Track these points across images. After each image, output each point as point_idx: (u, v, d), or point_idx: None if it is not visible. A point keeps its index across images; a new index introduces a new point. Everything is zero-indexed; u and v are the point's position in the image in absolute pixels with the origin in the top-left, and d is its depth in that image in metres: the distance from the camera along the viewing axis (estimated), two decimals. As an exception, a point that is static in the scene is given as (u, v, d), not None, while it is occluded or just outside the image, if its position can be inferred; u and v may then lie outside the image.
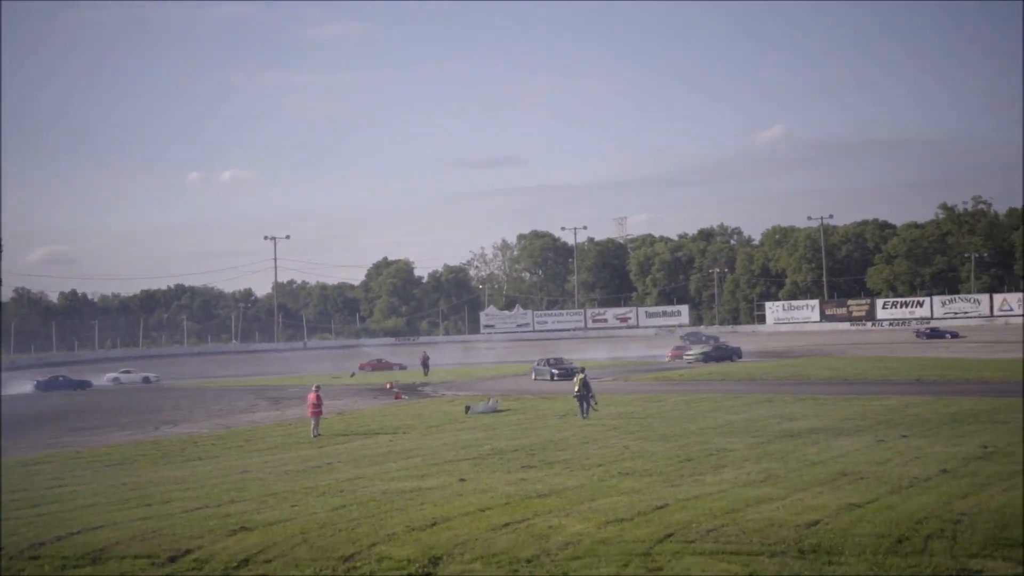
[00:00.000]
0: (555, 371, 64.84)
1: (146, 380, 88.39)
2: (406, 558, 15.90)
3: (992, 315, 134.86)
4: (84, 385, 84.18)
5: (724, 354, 78.70)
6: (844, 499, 18.93)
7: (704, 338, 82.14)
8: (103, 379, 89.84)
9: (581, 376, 40.06)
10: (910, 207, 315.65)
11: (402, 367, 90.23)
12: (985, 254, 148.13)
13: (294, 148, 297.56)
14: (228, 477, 26.26)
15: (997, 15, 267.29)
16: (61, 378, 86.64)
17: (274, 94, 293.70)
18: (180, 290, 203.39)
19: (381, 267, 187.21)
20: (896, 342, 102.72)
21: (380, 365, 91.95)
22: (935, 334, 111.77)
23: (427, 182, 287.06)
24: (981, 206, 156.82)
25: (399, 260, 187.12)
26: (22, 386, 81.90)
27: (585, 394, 39.39)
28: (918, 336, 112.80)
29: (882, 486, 20.41)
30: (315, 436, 36.19)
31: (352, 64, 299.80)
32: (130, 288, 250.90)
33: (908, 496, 19.21)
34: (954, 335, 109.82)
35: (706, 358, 76.82)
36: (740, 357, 77.02)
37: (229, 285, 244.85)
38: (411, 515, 19.08)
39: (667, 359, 78.15)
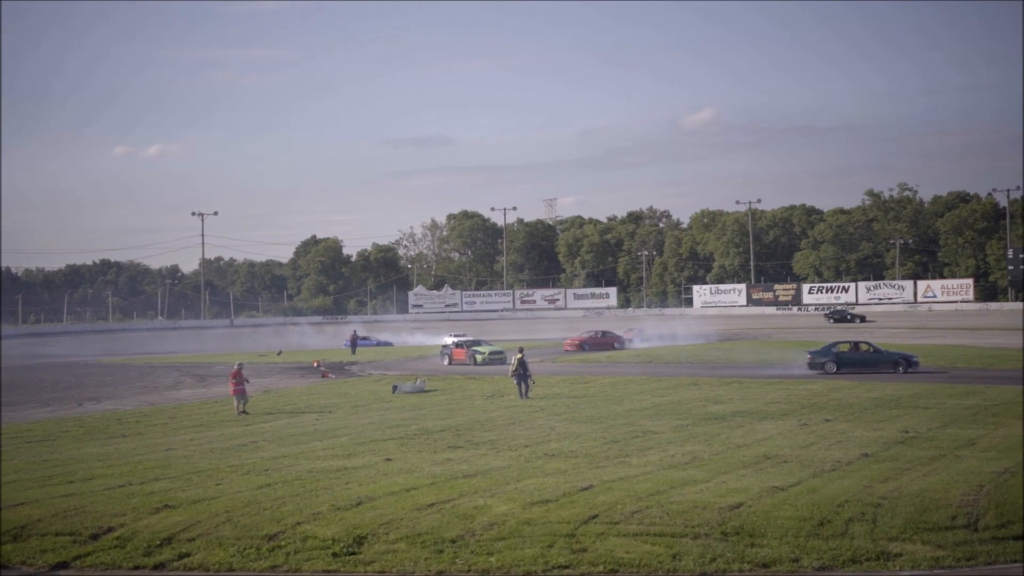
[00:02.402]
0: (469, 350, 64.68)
1: None
2: (330, 537, 15.89)
3: (916, 301, 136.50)
4: None
5: (605, 342, 77.62)
6: (767, 482, 19.13)
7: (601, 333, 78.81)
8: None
9: (519, 356, 40.29)
10: (837, 193, 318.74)
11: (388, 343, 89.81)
12: (910, 241, 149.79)
13: (222, 123, 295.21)
14: (152, 455, 26.06)
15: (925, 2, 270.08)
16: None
17: (202, 68, 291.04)
18: (106, 265, 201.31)
19: (309, 245, 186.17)
20: (821, 327, 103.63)
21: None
22: (842, 317, 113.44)
23: (356, 160, 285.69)
24: (907, 193, 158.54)
25: (328, 238, 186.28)
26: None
27: (523, 374, 39.67)
28: (827, 318, 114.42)
29: (805, 469, 20.65)
30: (240, 414, 35.96)
31: (282, 40, 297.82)
32: (54, 262, 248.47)
33: (830, 480, 19.45)
34: (862, 319, 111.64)
35: (583, 347, 75.54)
36: (621, 346, 75.60)
37: (156, 261, 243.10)
38: (336, 494, 19.06)
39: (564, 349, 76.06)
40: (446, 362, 64.13)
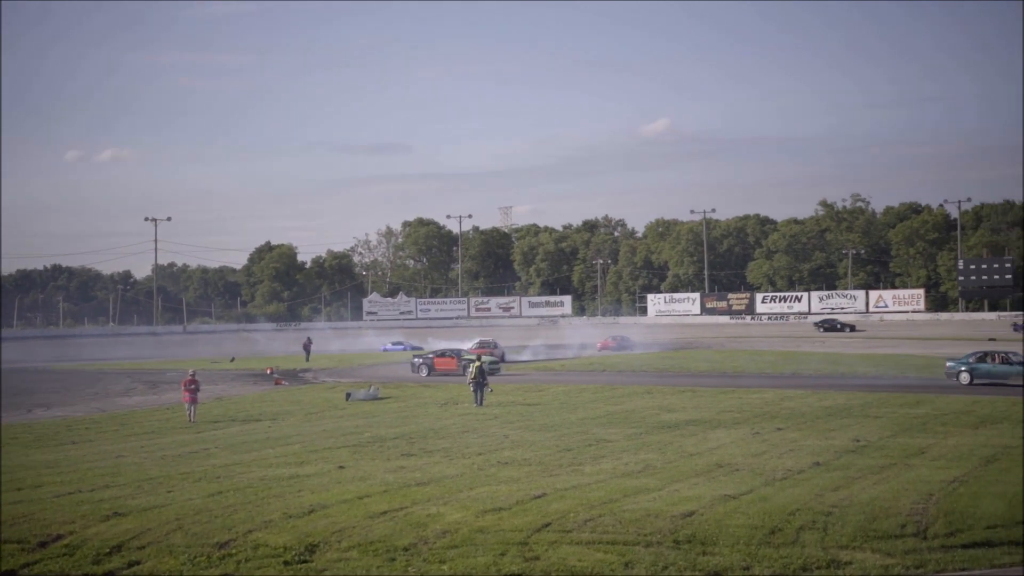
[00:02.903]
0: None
1: None
2: (282, 545, 15.81)
3: (868, 311, 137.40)
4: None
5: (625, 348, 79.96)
6: (719, 490, 19.19)
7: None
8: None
9: (477, 364, 40.58)
10: (791, 203, 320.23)
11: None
12: (862, 251, 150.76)
13: (177, 128, 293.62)
14: (102, 461, 25.87)
15: (878, 14, 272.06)
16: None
17: (157, 72, 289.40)
18: (57, 270, 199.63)
19: (264, 251, 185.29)
20: (782, 335, 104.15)
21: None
22: (832, 327, 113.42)
23: (312, 166, 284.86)
24: (860, 204, 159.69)
25: (282, 245, 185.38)
26: None
27: (481, 382, 40.05)
28: (817, 328, 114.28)
29: (757, 478, 20.73)
30: (191, 423, 35.73)
31: (236, 45, 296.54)
32: (4, 267, 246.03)
33: (781, 488, 19.53)
34: (852, 328, 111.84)
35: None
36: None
37: (107, 266, 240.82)
38: (288, 502, 18.97)
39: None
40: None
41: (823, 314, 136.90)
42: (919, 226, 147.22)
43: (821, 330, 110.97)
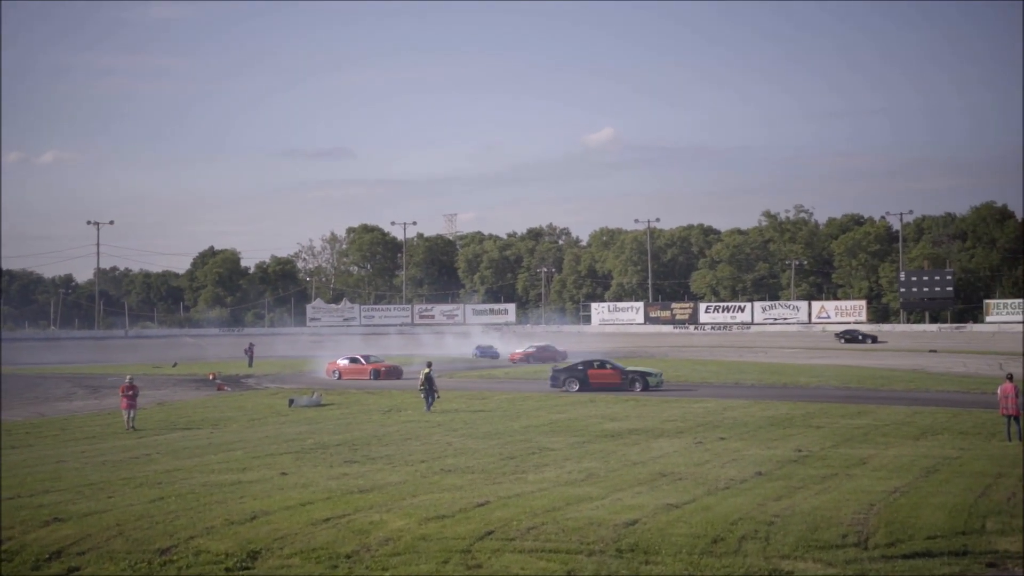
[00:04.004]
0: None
1: None
2: (224, 552, 15.74)
3: (810, 322, 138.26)
4: None
5: (547, 356, 78.31)
6: (662, 499, 19.26)
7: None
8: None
9: (426, 371, 40.91)
10: (734, 213, 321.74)
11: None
12: (805, 262, 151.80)
13: (120, 131, 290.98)
14: (42, 467, 25.63)
15: (822, 26, 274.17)
16: None
17: (99, 75, 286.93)
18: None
19: (207, 256, 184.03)
20: (717, 345, 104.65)
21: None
22: (853, 338, 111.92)
23: (256, 171, 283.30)
24: (803, 215, 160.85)
25: (225, 250, 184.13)
26: None
27: (429, 388, 40.43)
28: (838, 339, 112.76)
29: (699, 487, 20.83)
30: (129, 429, 35.32)
31: (180, 48, 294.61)
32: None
33: (724, 497, 19.63)
34: (874, 339, 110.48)
35: (529, 360, 76.99)
36: (563, 359, 74.40)
37: (49, 270, 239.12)
38: (230, 508, 18.88)
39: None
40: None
41: (765, 325, 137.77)
42: (861, 238, 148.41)
43: (842, 341, 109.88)
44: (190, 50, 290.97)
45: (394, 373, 63.07)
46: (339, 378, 62.75)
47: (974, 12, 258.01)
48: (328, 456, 26.87)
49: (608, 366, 52.24)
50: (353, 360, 65.67)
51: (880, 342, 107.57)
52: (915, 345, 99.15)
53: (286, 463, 25.50)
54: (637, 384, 49.41)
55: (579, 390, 49.53)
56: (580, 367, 52.28)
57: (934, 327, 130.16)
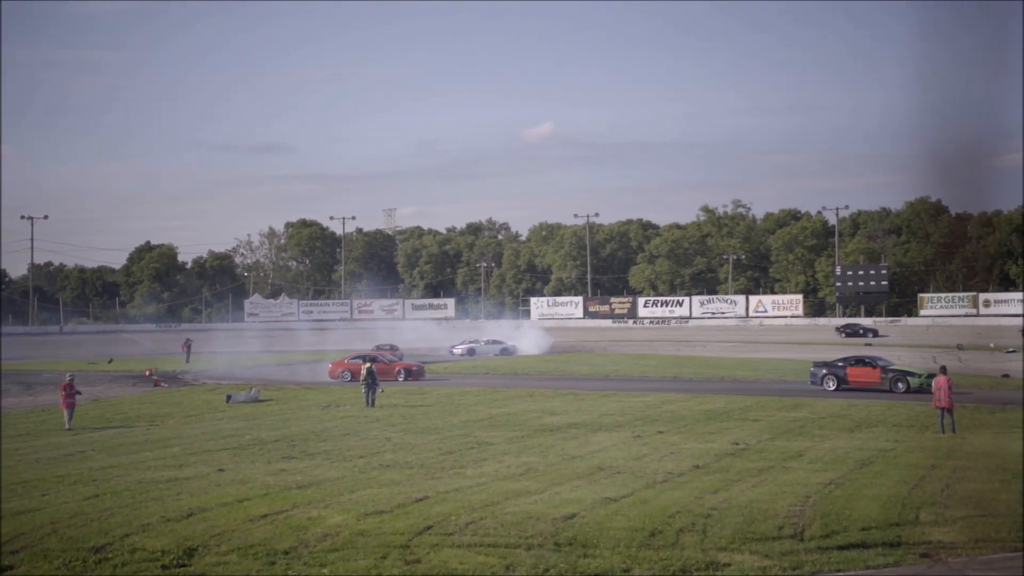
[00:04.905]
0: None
1: None
2: (160, 549, 15.62)
3: (748, 316, 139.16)
4: None
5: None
6: (601, 493, 19.33)
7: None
8: None
9: (368, 365, 41.16)
10: (673, 208, 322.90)
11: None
12: (743, 256, 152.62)
13: (54, 126, 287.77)
14: (-26, 465, 25.32)
15: (761, 21, 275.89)
16: None
17: (35, 69, 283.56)
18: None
19: (143, 251, 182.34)
20: (656, 340, 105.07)
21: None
22: (854, 332, 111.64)
23: (193, 165, 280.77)
24: (740, 210, 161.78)
25: (162, 245, 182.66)
26: None
27: (371, 383, 40.48)
28: (839, 332, 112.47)
29: (637, 481, 20.92)
30: (68, 429, 34.81)
31: (116, 42, 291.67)
32: None
33: (662, 491, 19.73)
34: (875, 333, 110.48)
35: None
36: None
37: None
38: (167, 505, 18.75)
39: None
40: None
41: (703, 319, 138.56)
42: (798, 233, 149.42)
43: (843, 335, 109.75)
44: (126, 44, 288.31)
45: (421, 372, 57.42)
46: (351, 380, 53.67)
47: (908, 11, 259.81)
48: (266, 452, 26.76)
49: (869, 363, 47.10)
50: (355, 359, 58.57)
51: (881, 336, 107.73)
52: (907, 340, 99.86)
53: (223, 459, 25.36)
54: (900, 384, 44.21)
55: (835, 389, 45.18)
56: (840, 364, 47.56)
57: (869, 321, 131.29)
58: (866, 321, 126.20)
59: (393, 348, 73.60)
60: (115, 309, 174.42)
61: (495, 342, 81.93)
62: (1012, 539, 15.78)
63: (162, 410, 40.57)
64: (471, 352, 78.40)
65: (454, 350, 79.22)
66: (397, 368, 57.04)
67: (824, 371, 46.66)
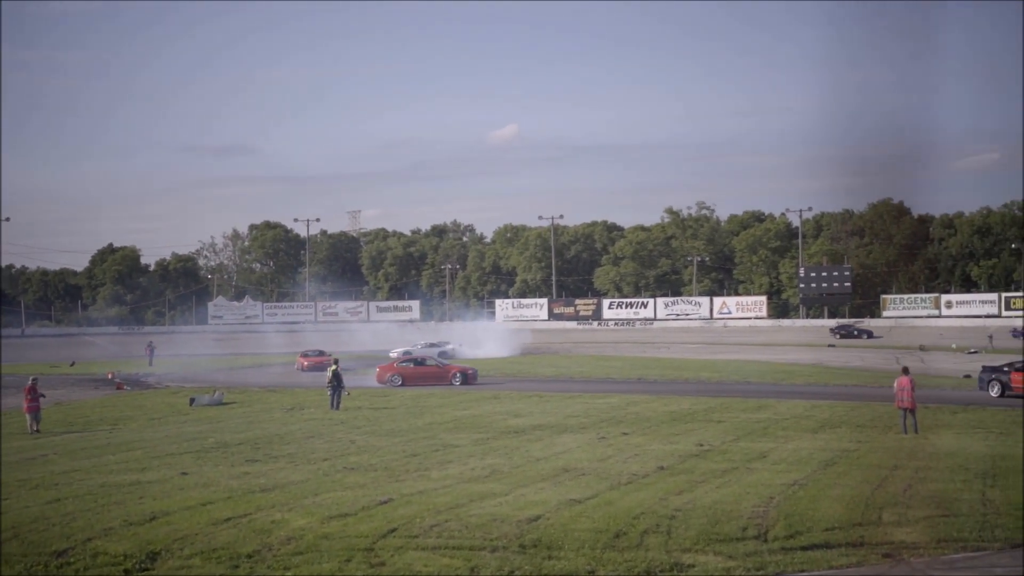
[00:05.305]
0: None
1: None
2: (122, 553, 15.52)
3: (712, 317, 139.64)
4: None
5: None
6: (565, 495, 19.33)
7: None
8: None
9: (334, 367, 40.65)
10: (637, 210, 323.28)
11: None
12: (707, 258, 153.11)
13: (15, 127, 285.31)
14: (-66, 469, 25.11)
15: (725, 25, 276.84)
16: None
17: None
18: None
19: (106, 254, 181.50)
20: (621, 341, 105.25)
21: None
22: (849, 333, 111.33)
23: (156, 167, 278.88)
24: (704, 212, 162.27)
25: (125, 247, 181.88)
26: None
27: (337, 385, 40.14)
28: (833, 334, 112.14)
29: (602, 482, 20.94)
30: (32, 432, 34.43)
31: (77, 42, 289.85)
32: None
33: (627, 492, 19.75)
34: (869, 335, 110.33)
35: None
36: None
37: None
38: (129, 509, 18.64)
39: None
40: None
41: (668, 321, 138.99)
42: (762, 234, 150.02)
43: (837, 336, 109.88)
44: (86, 44, 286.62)
45: (475, 376, 54.88)
46: (402, 384, 52.55)
47: (875, 11, 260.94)
48: (229, 455, 26.64)
49: None
50: (418, 363, 56.24)
51: (876, 337, 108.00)
52: (906, 341, 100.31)
53: (186, 463, 25.23)
54: None
55: (999, 396, 41.84)
56: (1006, 368, 43.88)
57: (833, 322, 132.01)
58: (833, 320, 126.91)
59: (441, 348, 74.42)
60: (77, 312, 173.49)
61: (433, 345, 79.59)
62: (974, 539, 15.88)
63: (125, 413, 40.37)
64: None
65: (391, 354, 77.00)
66: (453, 371, 54.68)
67: (990, 376, 43.84)
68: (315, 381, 51.41)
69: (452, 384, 52.74)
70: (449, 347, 79.92)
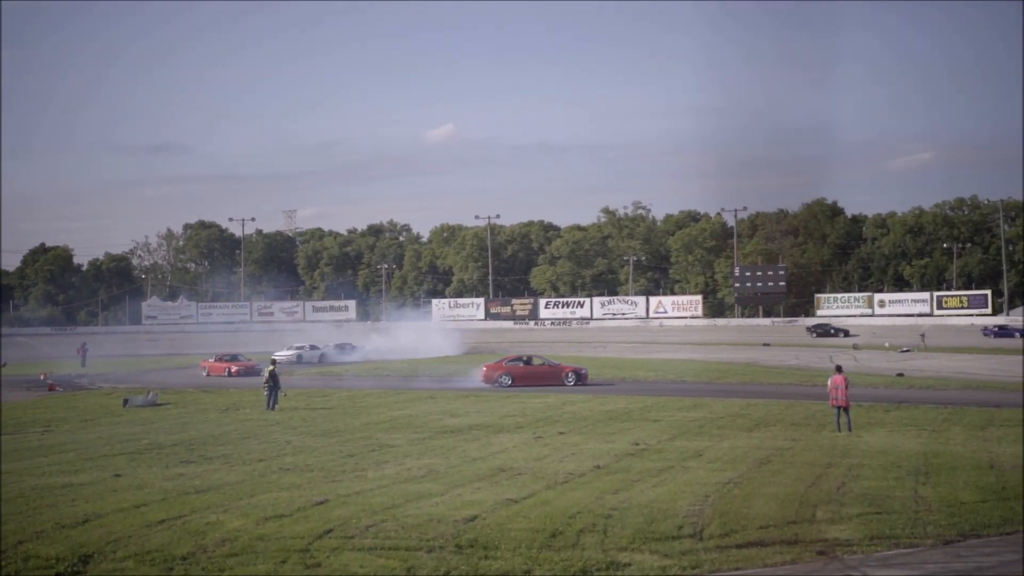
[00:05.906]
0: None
1: None
2: (55, 556, 15.34)
3: (648, 317, 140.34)
4: None
5: None
6: (502, 494, 19.33)
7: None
8: None
9: (271, 368, 40.46)
10: (574, 210, 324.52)
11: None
12: (643, 258, 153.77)
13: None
14: None
15: (665, 21, 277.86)
16: None
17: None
18: None
19: (38, 253, 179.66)
20: (557, 341, 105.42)
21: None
22: (826, 332, 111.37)
23: (88, 165, 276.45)
24: (640, 211, 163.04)
25: (57, 247, 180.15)
26: None
27: (273, 386, 39.98)
28: (810, 333, 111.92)
29: (539, 482, 20.95)
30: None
31: (7, 39, 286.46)
32: None
33: (563, 491, 19.77)
34: (846, 333, 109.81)
35: None
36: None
37: None
38: (61, 512, 18.43)
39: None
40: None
41: (604, 320, 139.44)
42: (697, 234, 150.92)
43: (814, 335, 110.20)
44: (16, 41, 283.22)
45: (587, 376, 53.37)
46: (511, 384, 51.18)
47: (815, 11, 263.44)
48: (164, 456, 26.42)
49: None
50: (513, 361, 55.40)
51: (852, 335, 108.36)
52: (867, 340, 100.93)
53: (120, 464, 24.99)
54: None
55: None
56: None
57: (767, 321, 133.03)
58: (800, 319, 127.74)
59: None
60: (8, 312, 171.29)
61: (314, 347, 79.49)
62: (906, 536, 16.02)
63: (57, 415, 39.94)
64: (299, 359, 76.18)
65: (274, 356, 75.17)
66: (567, 371, 53.11)
67: None
68: (250, 382, 51.11)
69: (565, 384, 51.28)
70: (352, 345, 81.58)
